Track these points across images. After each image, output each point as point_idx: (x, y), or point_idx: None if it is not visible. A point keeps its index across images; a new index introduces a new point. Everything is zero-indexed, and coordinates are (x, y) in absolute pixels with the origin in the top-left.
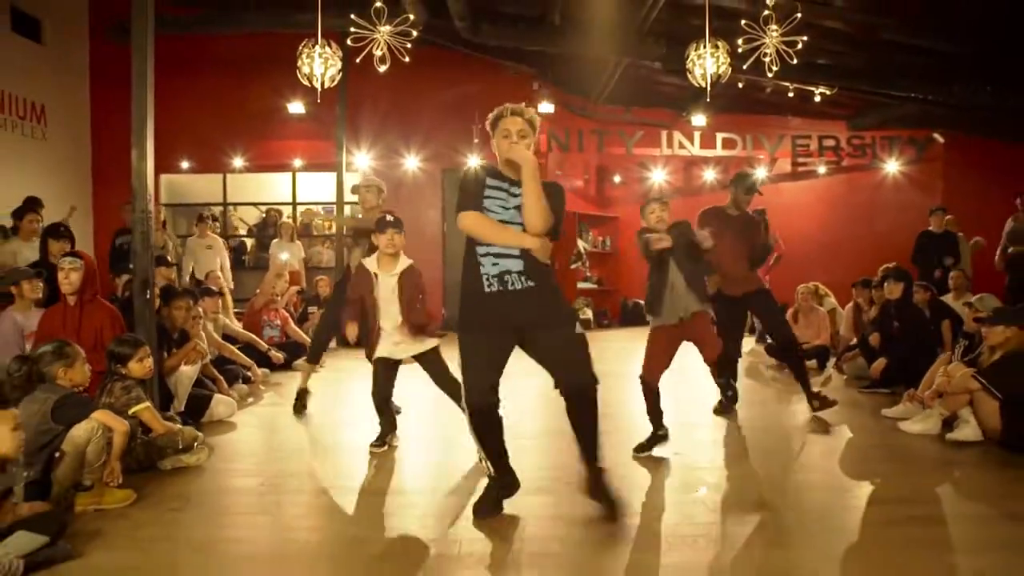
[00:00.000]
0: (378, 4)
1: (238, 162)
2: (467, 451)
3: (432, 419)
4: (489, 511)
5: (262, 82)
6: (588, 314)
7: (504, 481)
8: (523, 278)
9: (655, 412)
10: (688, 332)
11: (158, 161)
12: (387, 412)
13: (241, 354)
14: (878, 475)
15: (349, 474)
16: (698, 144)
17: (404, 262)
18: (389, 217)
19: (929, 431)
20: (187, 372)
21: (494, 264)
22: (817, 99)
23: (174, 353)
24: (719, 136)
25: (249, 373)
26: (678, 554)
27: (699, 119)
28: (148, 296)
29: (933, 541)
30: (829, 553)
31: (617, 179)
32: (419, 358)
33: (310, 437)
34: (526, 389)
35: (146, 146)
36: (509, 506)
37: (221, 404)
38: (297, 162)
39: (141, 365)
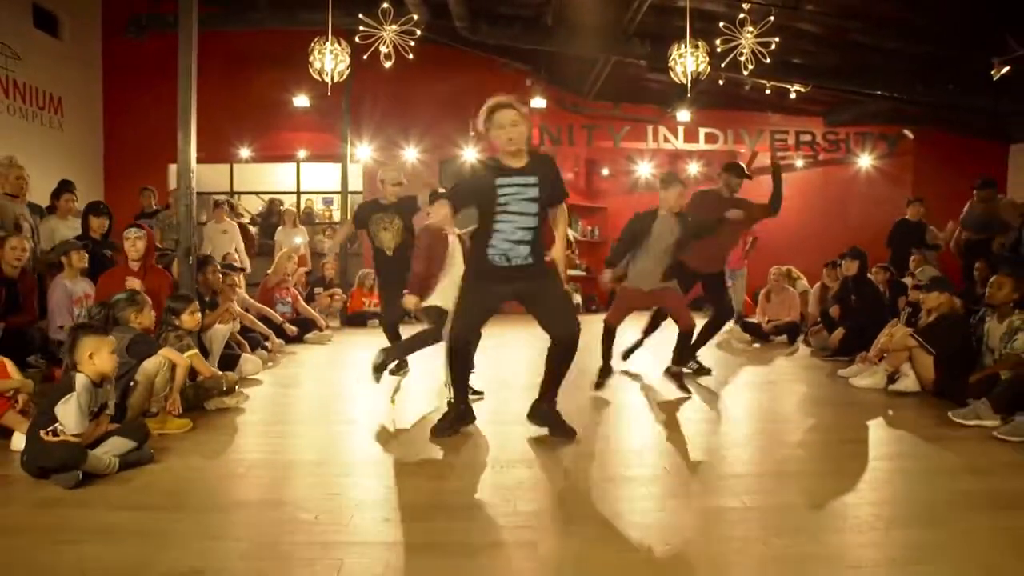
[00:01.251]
0: (385, 5)
1: (244, 152)
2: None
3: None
4: (445, 432)
5: (268, 76)
6: (578, 299)
7: (461, 410)
8: (526, 257)
9: (607, 350)
10: (659, 301)
11: (168, 151)
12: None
13: (260, 324)
14: (823, 416)
15: (354, 417)
16: (682, 138)
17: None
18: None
19: (876, 385)
20: (221, 330)
21: (505, 246)
22: (792, 96)
23: (208, 314)
24: (702, 131)
25: (267, 343)
26: (670, 461)
27: (683, 115)
28: (191, 262)
29: (859, 453)
30: (777, 457)
31: (605, 172)
32: None
33: (326, 391)
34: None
35: (191, 132)
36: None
37: (249, 363)
38: (301, 153)
39: (192, 317)
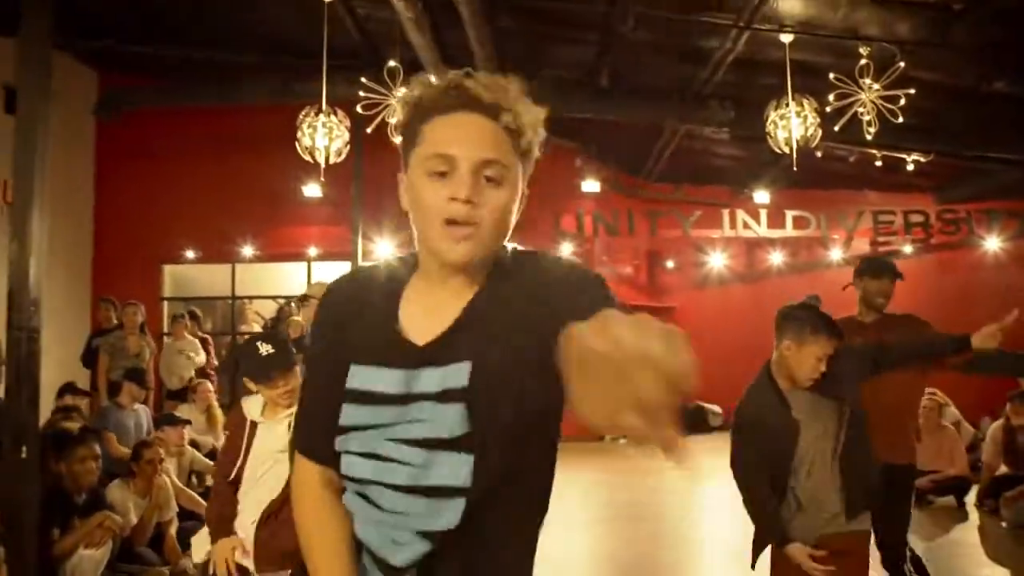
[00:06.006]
0: (392, 63)
1: (247, 251)
2: None
3: None
4: None
5: (270, 161)
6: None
7: None
8: None
9: None
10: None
11: (160, 250)
12: None
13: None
14: None
15: None
16: (765, 224)
17: None
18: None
19: None
20: (91, 558)
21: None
22: (910, 167)
23: (74, 528)
24: (789, 214)
25: None
26: None
27: (761, 196)
28: (23, 455)
29: None
30: None
31: (670, 264)
32: None
33: None
34: None
35: (32, 235)
36: None
37: None
38: (312, 250)
39: None
